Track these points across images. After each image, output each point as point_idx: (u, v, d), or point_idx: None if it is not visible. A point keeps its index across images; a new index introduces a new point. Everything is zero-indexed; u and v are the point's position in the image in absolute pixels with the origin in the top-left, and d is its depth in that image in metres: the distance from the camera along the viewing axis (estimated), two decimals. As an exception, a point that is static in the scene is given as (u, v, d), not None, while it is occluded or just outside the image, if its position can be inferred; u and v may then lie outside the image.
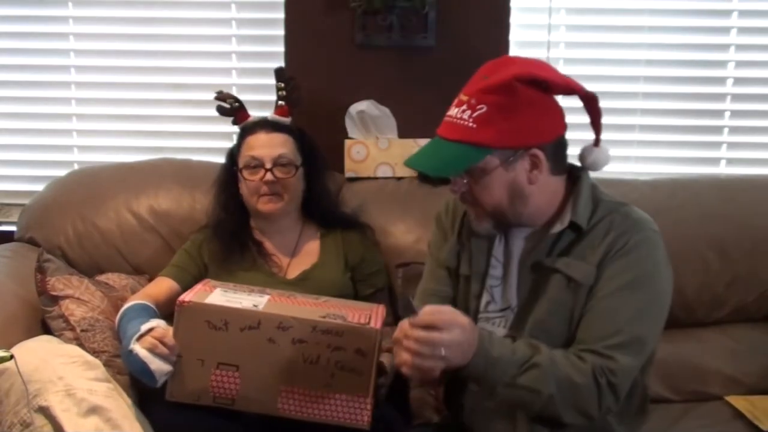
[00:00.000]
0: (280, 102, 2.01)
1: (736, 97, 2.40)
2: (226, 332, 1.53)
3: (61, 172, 2.28)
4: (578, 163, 1.47)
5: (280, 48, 2.34)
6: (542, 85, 1.34)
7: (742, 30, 2.36)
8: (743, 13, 2.35)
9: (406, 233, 2.08)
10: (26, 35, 2.44)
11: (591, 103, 1.41)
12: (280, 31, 2.34)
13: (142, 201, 2.13)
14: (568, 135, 1.42)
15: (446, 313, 1.27)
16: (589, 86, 1.40)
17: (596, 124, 1.43)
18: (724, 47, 2.38)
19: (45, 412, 1.46)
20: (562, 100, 1.40)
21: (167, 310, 1.74)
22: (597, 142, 1.45)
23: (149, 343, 1.54)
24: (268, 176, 1.84)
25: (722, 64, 2.39)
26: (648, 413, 1.52)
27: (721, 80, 2.40)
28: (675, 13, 2.37)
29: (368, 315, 1.58)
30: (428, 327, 1.24)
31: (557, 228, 1.40)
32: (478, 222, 1.43)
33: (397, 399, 1.75)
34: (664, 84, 2.39)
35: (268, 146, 1.87)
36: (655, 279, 1.37)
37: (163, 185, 2.15)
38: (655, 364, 1.47)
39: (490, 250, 1.49)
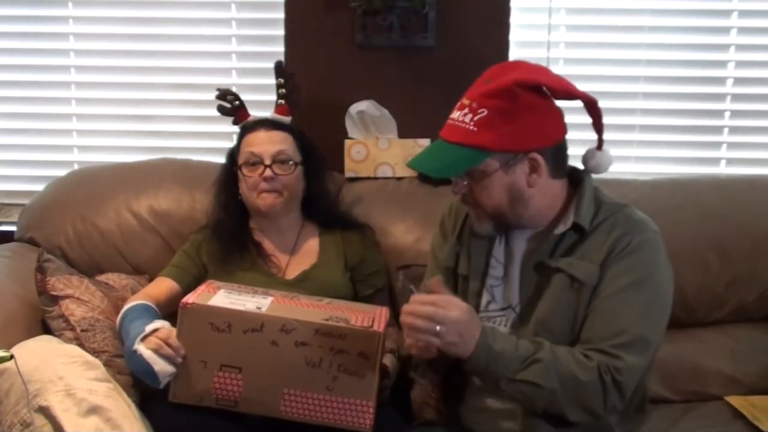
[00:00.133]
0: (280, 101, 2.01)
1: (736, 97, 2.40)
2: (229, 334, 1.53)
3: (61, 172, 2.28)
4: (581, 166, 1.49)
5: (280, 48, 2.34)
6: (543, 90, 1.35)
7: (742, 30, 2.36)
8: (743, 13, 2.35)
9: (406, 233, 2.08)
10: (26, 35, 2.44)
11: (593, 108, 1.42)
12: (280, 31, 2.34)
13: (142, 201, 2.13)
14: (570, 135, 1.43)
15: (446, 294, 1.34)
16: (589, 86, 1.42)
17: (598, 129, 1.45)
18: (724, 47, 2.38)
19: (45, 412, 1.46)
20: (564, 101, 1.41)
21: (167, 310, 1.75)
22: (600, 145, 1.46)
23: (154, 343, 1.54)
24: (267, 172, 1.84)
25: (722, 64, 2.39)
26: (647, 413, 1.53)
27: (721, 80, 2.40)
28: (675, 13, 2.37)
29: (371, 318, 1.57)
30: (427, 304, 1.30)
31: (560, 229, 1.42)
32: (479, 223, 1.45)
33: (397, 399, 1.76)
34: (664, 84, 2.39)
35: (268, 143, 1.87)
36: (658, 279, 1.39)
37: (163, 185, 2.15)
38: (655, 364, 1.48)
39: (490, 251, 1.51)
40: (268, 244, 1.93)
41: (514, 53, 2.32)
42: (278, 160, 1.86)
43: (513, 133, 1.34)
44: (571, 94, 1.39)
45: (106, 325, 1.77)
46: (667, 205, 2.05)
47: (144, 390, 1.66)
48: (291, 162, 1.87)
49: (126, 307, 1.73)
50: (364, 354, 1.51)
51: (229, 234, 1.90)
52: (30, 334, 1.72)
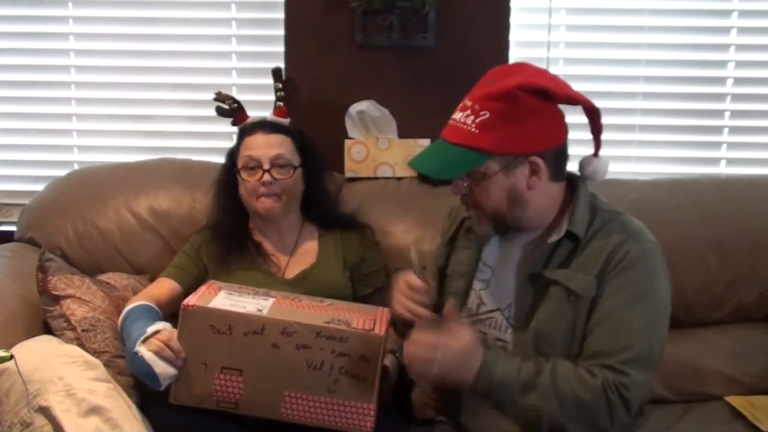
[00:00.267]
0: (278, 103, 2.01)
1: (736, 97, 2.40)
2: (229, 337, 1.52)
3: (61, 172, 2.28)
4: (578, 172, 1.49)
5: (280, 48, 2.34)
6: (545, 94, 1.35)
7: (742, 30, 2.36)
8: (743, 13, 2.35)
9: (406, 233, 2.08)
10: (26, 35, 2.44)
11: (593, 115, 1.43)
12: (280, 31, 2.34)
13: (142, 201, 2.12)
14: (571, 136, 1.43)
15: (458, 323, 1.39)
16: (589, 86, 1.42)
17: (597, 136, 1.45)
18: (724, 47, 2.38)
19: (45, 412, 1.46)
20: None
21: (169, 311, 1.75)
22: (597, 153, 1.46)
23: (155, 345, 1.54)
24: (266, 177, 1.83)
25: (722, 64, 2.39)
26: (646, 414, 1.52)
27: (721, 80, 2.40)
28: (675, 13, 2.37)
29: (372, 320, 1.57)
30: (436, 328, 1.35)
31: (554, 237, 1.42)
32: (479, 225, 1.45)
33: (397, 399, 1.76)
34: (664, 84, 2.39)
35: (266, 147, 1.86)
36: (658, 291, 1.40)
37: (163, 185, 2.15)
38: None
39: (479, 255, 1.54)
40: (267, 244, 1.92)
41: (514, 53, 2.31)
42: (276, 164, 1.85)
43: (514, 137, 1.34)
44: (574, 99, 1.39)
45: (107, 326, 1.77)
46: (667, 205, 2.05)
47: (144, 390, 1.66)
48: (289, 166, 1.87)
49: (128, 307, 1.73)
50: (365, 357, 1.51)
51: (228, 234, 1.90)
52: (30, 334, 1.72)
